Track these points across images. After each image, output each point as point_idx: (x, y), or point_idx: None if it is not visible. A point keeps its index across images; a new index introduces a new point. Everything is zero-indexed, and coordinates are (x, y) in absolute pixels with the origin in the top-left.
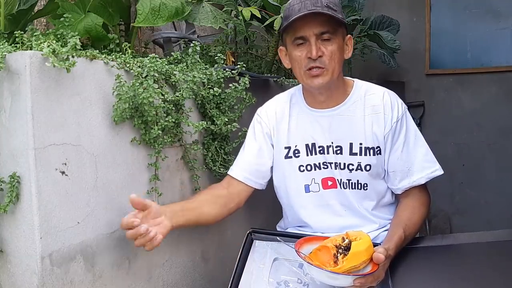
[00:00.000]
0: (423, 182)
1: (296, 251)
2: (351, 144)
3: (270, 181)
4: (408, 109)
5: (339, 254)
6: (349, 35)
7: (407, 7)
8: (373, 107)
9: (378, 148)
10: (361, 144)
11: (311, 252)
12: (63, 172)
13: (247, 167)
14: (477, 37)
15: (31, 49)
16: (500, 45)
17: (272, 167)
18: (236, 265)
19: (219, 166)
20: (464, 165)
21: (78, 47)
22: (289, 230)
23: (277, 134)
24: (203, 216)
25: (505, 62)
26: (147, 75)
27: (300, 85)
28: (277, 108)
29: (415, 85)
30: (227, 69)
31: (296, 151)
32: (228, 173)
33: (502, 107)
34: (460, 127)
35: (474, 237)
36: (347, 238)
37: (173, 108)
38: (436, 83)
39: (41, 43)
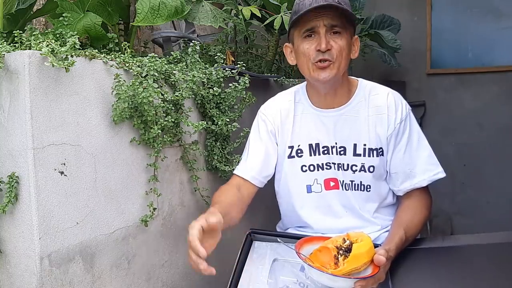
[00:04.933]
0: (425, 185)
1: (296, 252)
2: (355, 145)
3: (270, 181)
4: None
5: (339, 256)
6: (356, 36)
7: (408, 6)
8: (377, 107)
9: (381, 150)
10: (365, 145)
11: (311, 253)
12: (62, 172)
13: (255, 167)
14: (479, 37)
15: (30, 48)
16: (502, 44)
17: (276, 166)
18: (235, 265)
19: (224, 166)
20: (465, 165)
21: (77, 46)
22: (289, 230)
23: (281, 133)
24: (231, 221)
25: (506, 61)
26: (146, 75)
27: (304, 83)
28: (282, 106)
29: (416, 85)
30: (227, 69)
31: (299, 151)
32: (235, 173)
33: (504, 107)
34: (461, 127)
35: (475, 238)
36: (348, 239)
37: (173, 108)
38: (437, 82)
39: (40, 42)
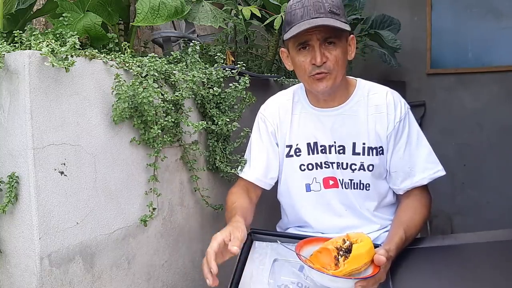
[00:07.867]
0: (425, 183)
1: (296, 254)
2: (354, 144)
3: None
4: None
5: (340, 257)
6: (351, 35)
7: (408, 6)
8: (376, 106)
9: (381, 148)
10: (364, 144)
11: (311, 255)
12: (62, 172)
13: (259, 169)
14: (479, 37)
15: (30, 48)
16: (502, 44)
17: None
18: (235, 265)
19: (225, 167)
20: (465, 165)
21: (77, 46)
22: (290, 230)
23: (280, 132)
24: (247, 227)
25: (506, 61)
26: (146, 75)
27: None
28: (280, 105)
29: (416, 85)
30: (227, 69)
31: (297, 150)
32: (241, 176)
33: (504, 107)
34: (461, 127)
35: (475, 237)
36: (348, 240)
37: (173, 108)
38: (437, 82)
39: (40, 42)
